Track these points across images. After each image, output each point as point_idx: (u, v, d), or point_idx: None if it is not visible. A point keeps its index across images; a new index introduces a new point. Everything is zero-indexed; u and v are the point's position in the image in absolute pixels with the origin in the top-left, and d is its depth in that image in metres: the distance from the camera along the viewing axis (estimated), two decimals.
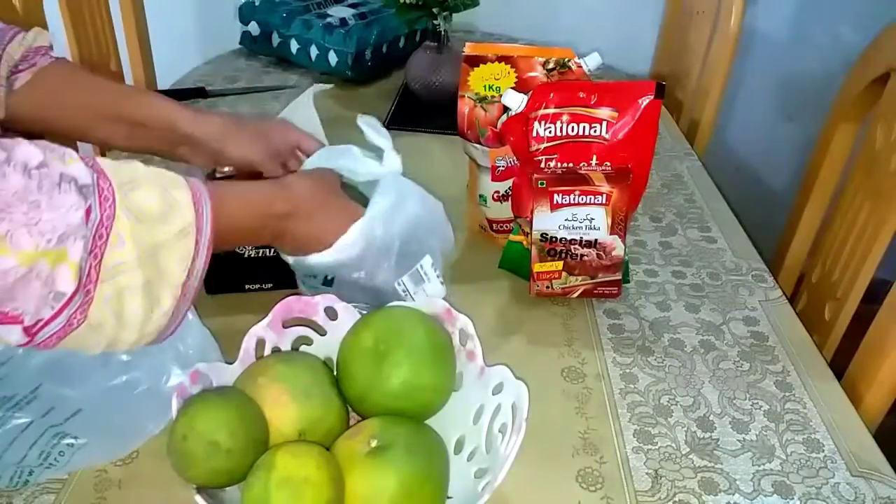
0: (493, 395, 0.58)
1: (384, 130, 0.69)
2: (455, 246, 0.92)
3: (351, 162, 0.67)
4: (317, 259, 0.63)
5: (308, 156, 0.73)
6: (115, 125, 0.70)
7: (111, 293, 0.46)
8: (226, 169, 0.76)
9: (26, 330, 0.45)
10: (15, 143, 0.45)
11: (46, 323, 0.45)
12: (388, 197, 0.64)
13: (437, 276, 0.68)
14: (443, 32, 1.22)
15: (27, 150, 0.45)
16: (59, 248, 0.44)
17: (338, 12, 1.39)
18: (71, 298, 0.45)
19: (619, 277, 0.79)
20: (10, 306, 0.44)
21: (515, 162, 0.82)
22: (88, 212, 0.45)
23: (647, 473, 0.62)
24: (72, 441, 0.59)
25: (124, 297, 0.47)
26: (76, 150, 0.49)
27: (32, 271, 0.43)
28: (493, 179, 0.87)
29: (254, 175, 0.73)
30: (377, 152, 0.68)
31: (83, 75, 0.73)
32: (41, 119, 0.69)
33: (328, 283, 0.67)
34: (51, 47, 0.70)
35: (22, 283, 0.43)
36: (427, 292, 0.68)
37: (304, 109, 0.80)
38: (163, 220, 0.49)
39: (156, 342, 0.52)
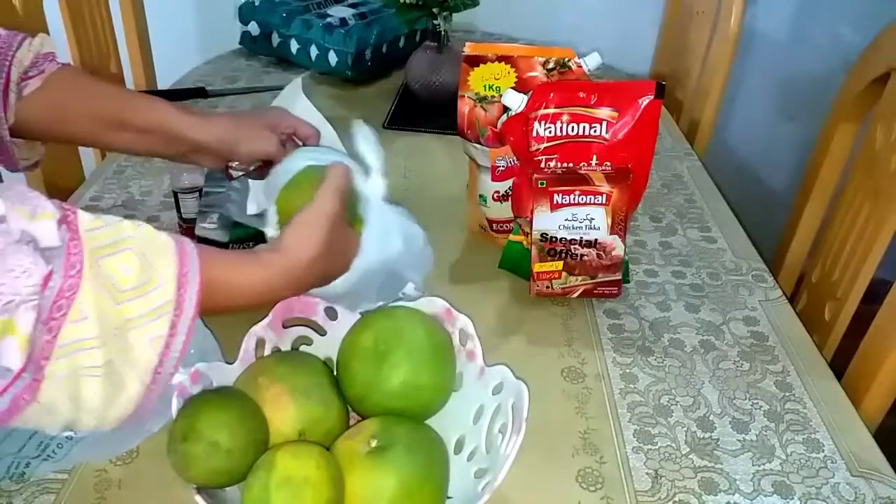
0: (493, 395, 0.58)
1: (380, 148, 0.66)
2: (455, 246, 0.92)
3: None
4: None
5: (304, 142, 0.74)
6: (122, 132, 0.69)
7: (66, 372, 0.41)
8: (234, 164, 0.76)
9: None
10: None
11: None
12: (374, 234, 0.62)
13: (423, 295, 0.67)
14: (443, 32, 1.22)
15: None
16: (4, 317, 0.38)
17: (338, 12, 1.39)
18: (18, 376, 0.39)
19: (619, 277, 0.79)
20: None
21: (515, 162, 0.82)
22: (48, 278, 0.39)
23: (647, 473, 0.62)
24: (70, 433, 0.59)
25: (81, 379, 0.41)
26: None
27: None
28: (493, 179, 0.87)
29: (263, 161, 0.73)
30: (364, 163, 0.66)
31: (89, 82, 0.72)
32: (48, 126, 0.69)
33: None
34: (54, 53, 0.70)
35: None
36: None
37: (296, 100, 0.80)
38: (137, 295, 0.43)
39: (125, 424, 0.46)
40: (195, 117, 0.70)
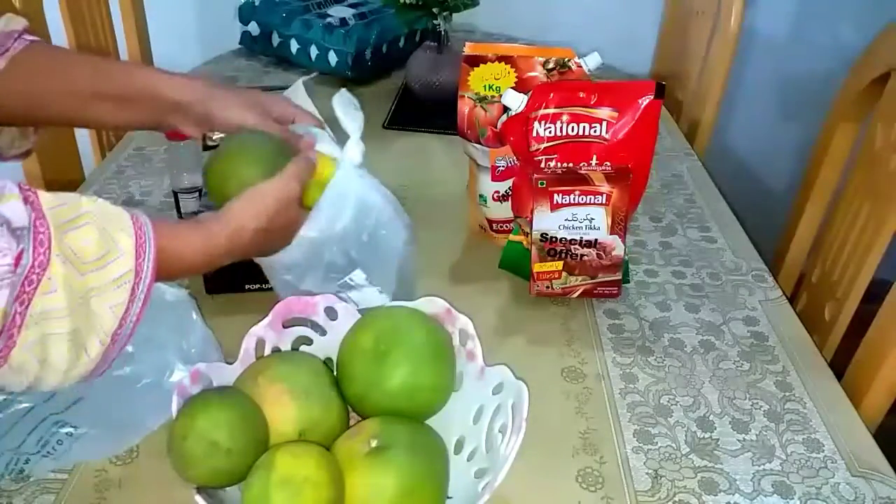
0: (493, 395, 0.58)
1: (359, 114, 0.66)
2: (455, 246, 0.92)
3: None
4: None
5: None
6: (101, 104, 0.68)
7: (35, 339, 0.44)
8: (215, 136, 0.75)
9: None
10: None
11: None
12: (326, 208, 0.63)
13: (372, 285, 0.66)
14: (443, 32, 1.22)
15: None
16: None
17: (338, 12, 1.39)
18: None
19: (619, 277, 0.79)
20: None
21: (515, 162, 0.82)
22: (20, 257, 0.43)
23: (647, 473, 0.62)
24: (71, 430, 0.59)
25: (49, 344, 0.45)
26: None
27: None
28: (493, 179, 0.87)
29: None
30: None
31: (62, 57, 0.70)
32: (22, 107, 0.67)
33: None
34: (25, 31, 0.67)
35: None
36: (365, 299, 0.66)
37: (299, 101, 0.79)
38: (99, 266, 0.47)
39: (82, 382, 0.50)
40: (173, 77, 0.69)
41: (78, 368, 0.48)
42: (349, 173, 0.64)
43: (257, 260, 0.66)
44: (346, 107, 0.66)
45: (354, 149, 0.65)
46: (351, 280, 0.63)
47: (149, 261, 0.50)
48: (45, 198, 0.47)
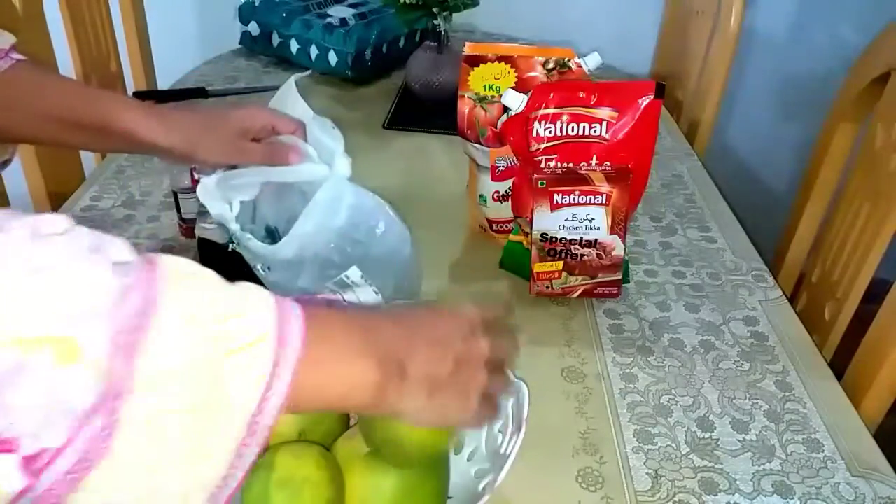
0: None
1: (337, 133, 0.68)
2: (455, 246, 0.92)
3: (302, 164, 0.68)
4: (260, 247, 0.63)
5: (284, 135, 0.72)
6: (80, 133, 0.67)
7: (147, 414, 0.31)
8: (198, 167, 0.75)
9: (26, 463, 0.29)
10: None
11: (58, 453, 0.29)
12: (319, 207, 0.63)
13: (368, 284, 0.66)
14: (443, 32, 1.22)
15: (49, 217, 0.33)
16: (72, 330, 0.30)
17: (338, 12, 1.39)
18: (90, 416, 0.30)
19: (619, 277, 0.79)
20: None
21: (515, 162, 0.82)
22: (128, 293, 0.32)
23: (647, 473, 0.63)
24: None
25: (164, 423, 0.32)
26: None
27: (27, 365, 0.29)
28: (493, 179, 0.87)
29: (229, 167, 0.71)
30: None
31: (46, 81, 0.68)
32: (2, 127, 0.66)
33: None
34: (12, 49, 0.66)
35: (10, 386, 0.29)
36: (360, 298, 0.66)
37: (291, 100, 0.80)
38: (232, 323, 0.34)
39: None
40: (154, 120, 0.66)
41: (200, 477, 0.34)
42: (341, 185, 0.65)
43: (247, 258, 0.66)
44: (324, 126, 0.68)
45: (343, 162, 0.66)
46: (346, 278, 0.63)
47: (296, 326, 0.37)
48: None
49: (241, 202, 0.68)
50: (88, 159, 1.21)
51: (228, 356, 0.33)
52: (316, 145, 0.68)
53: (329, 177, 0.65)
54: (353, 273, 0.63)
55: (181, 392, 0.32)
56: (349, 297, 0.65)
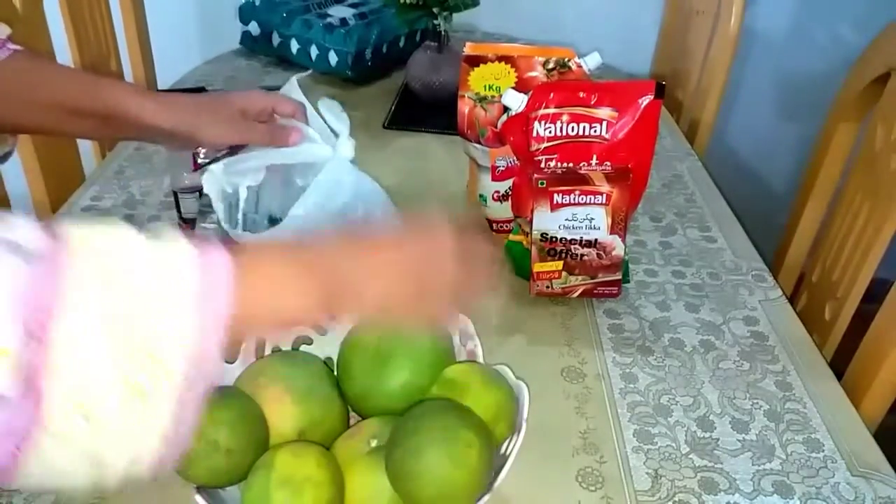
0: None
1: (344, 116, 0.70)
2: None
3: (304, 143, 0.69)
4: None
5: (289, 118, 0.72)
6: (82, 120, 0.67)
7: (71, 395, 0.32)
8: (202, 150, 0.75)
9: None
10: None
11: None
12: (321, 186, 0.65)
13: None
14: (443, 32, 1.22)
15: None
16: None
17: (338, 12, 1.39)
18: (17, 405, 0.31)
19: (619, 277, 0.79)
20: None
21: (515, 162, 0.82)
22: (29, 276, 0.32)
23: (647, 473, 0.63)
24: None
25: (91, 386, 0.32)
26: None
27: None
28: (493, 179, 0.87)
29: (231, 147, 0.72)
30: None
31: (45, 69, 0.68)
32: (2, 117, 0.66)
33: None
34: (9, 39, 0.66)
35: None
36: None
37: (293, 97, 0.80)
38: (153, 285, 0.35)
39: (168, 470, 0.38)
40: (156, 102, 0.67)
41: (150, 426, 0.35)
42: (343, 166, 0.66)
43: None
44: (332, 109, 0.70)
45: (346, 144, 0.68)
46: None
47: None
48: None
49: (248, 188, 0.69)
50: (88, 159, 1.21)
51: (150, 321, 0.34)
52: (320, 127, 0.70)
53: (332, 158, 0.66)
54: None
55: (105, 367, 0.32)
56: None
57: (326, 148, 0.68)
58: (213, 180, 0.67)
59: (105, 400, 0.33)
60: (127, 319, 0.33)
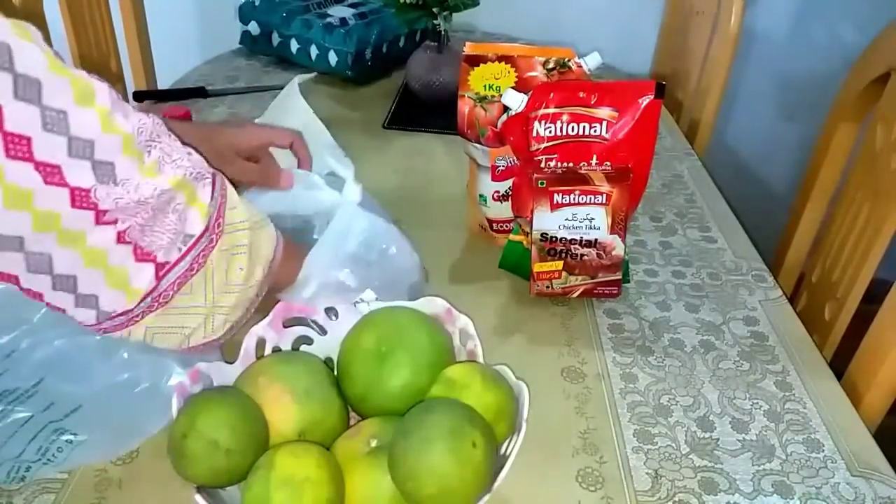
0: None
1: (348, 161, 0.72)
2: (455, 246, 0.92)
3: (311, 190, 0.70)
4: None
5: (282, 148, 0.73)
6: None
7: (227, 245, 0.53)
8: None
9: (157, 269, 0.49)
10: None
11: (173, 266, 0.50)
12: (332, 233, 0.65)
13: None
14: (443, 32, 1.22)
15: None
16: (195, 184, 0.50)
17: (338, 12, 1.39)
18: (198, 240, 0.51)
19: (619, 277, 0.79)
20: (147, 240, 0.48)
21: (515, 162, 0.82)
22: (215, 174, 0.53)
23: (647, 473, 0.63)
24: (70, 437, 0.59)
25: (234, 255, 0.53)
26: None
27: (173, 202, 0.48)
28: (493, 179, 0.87)
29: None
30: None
31: None
32: None
33: None
34: None
35: (162, 214, 0.48)
36: None
37: (292, 101, 0.80)
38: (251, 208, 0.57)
39: (225, 335, 0.58)
40: None
41: (246, 292, 0.56)
42: (352, 210, 0.67)
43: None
44: (335, 153, 0.72)
45: (353, 188, 0.69)
46: (361, 300, 0.64)
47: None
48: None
49: None
50: None
51: (258, 223, 0.58)
52: (325, 169, 0.71)
53: (340, 203, 0.67)
54: (368, 296, 0.64)
55: (243, 234, 0.55)
56: None
57: (334, 193, 0.68)
58: None
59: (239, 262, 0.55)
60: (254, 241, 0.57)
